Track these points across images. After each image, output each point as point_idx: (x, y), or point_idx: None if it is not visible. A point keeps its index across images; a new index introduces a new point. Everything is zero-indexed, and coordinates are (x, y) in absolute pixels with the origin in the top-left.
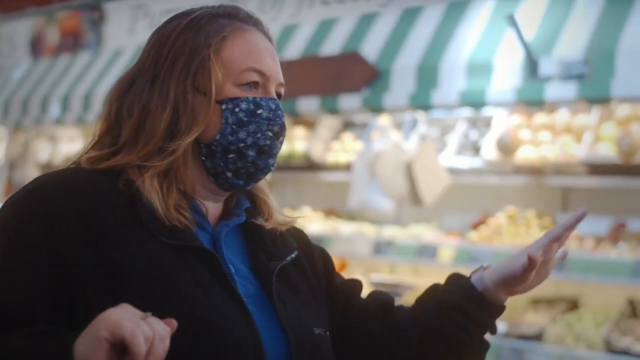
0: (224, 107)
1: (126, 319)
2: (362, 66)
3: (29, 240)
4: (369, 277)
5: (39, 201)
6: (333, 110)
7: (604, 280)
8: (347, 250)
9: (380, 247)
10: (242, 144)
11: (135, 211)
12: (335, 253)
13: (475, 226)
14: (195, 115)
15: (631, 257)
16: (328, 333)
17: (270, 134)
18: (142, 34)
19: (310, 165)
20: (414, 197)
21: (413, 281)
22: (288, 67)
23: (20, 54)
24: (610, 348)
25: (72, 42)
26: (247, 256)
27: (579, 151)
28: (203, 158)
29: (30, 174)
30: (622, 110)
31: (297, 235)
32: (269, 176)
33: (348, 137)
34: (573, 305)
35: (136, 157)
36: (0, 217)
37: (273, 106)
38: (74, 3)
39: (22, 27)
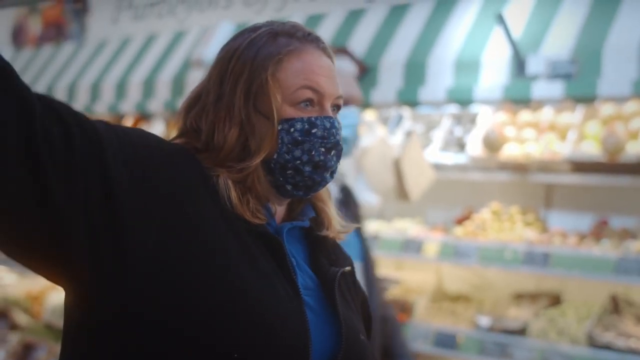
0: (280, 127)
1: None
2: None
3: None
4: None
5: (175, 148)
6: None
7: (586, 276)
8: None
9: None
10: (298, 162)
11: (217, 195)
12: None
13: (460, 221)
14: (262, 137)
15: (614, 254)
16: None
17: (323, 149)
18: (126, 25)
19: None
20: (401, 192)
21: (397, 275)
22: None
23: (1, 44)
24: (592, 343)
25: (55, 33)
26: (308, 258)
27: (563, 149)
28: (265, 172)
29: None
30: (607, 109)
31: (349, 255)
32: (328, 187)
33: None
34: (556, 300)
35: (216, 163)
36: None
37: (328, 125)
38: None
39: (2, 18)
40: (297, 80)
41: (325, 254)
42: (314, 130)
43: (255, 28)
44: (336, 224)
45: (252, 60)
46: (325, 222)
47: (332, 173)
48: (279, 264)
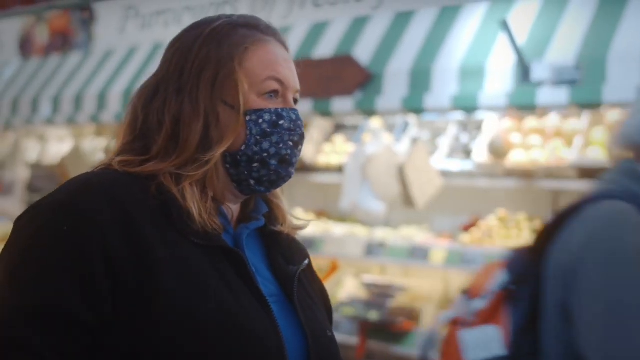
0: (248, 118)
1: None
2: (355, 69)
3: (83, 246)
4: (361, 278)
5: (86, 203)
6: (325, 113)
7: None
8: (339, 252)
9: (372, 249)
10: (265, 154)
11: (168, 214)
12: (326, 254)
13: (467, 229)
14: (225, 128)
15: None
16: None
17: (290, 143)
18: (133, 35)
19: (301, 167)
20: (406, 199)
21: (404, 282)
22: None
23: (9, 53)
24: None
25: (61, 42)
26: (266, 259)
27: (569, 155)
28: (227, 166)
29: (19, 173)
30: (612, 115)
31: (304, 247)
32: None
33: (339, 139)
34: None
35: (170, 166)
36: (46, 221)
37: (294, 117)
38: (62, 3)
39: (10, 27)
40: (265, 70)
41: (281, 252)
42: (281, 122)
43: (212, 20)
44: (290, 219)
45: (216, 49)
46: (280, 217)
47: (294, 169)
48: (243, 278)
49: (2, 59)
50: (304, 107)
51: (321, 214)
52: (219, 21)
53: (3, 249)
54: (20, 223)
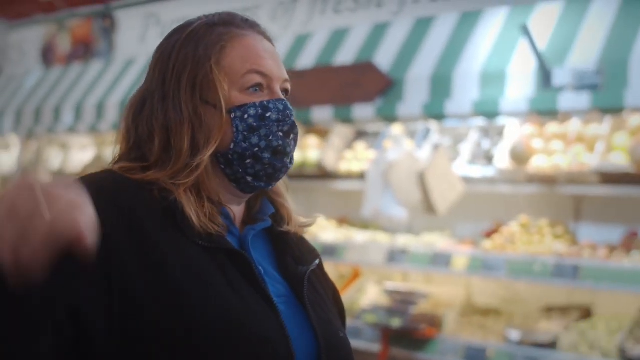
0: (233, 115)
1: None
2: (376, 76)
3: None
4: (383, 285)
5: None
6: (346, 120)
7: (617, 288)
8: (361, 259)
9: (394, 256)
10: (256, 149)
11: (172, 217)
12: (348, 261)
13: (489, 235)
14: (210, 129)
15: None
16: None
17: (280, 134)
18: (154, 43)
19: (323, 174)
20: (427, 206)
21: (426, 289)
22: (301, 76)
23: (31, 62)
24: (624, 356)
25: (83, 51)
26: (274, 260)
27: (591, 160)
28: (222, 166)
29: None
30: (635, 119)
31: (313, 247)
32: (286, 178)
33: (361, 146)
34: (586, 313)
35: (166, 175)
36: None
37: (281, 107)
38: (83, 11)
39: (32, 36)
40: (244, 65)
41: (290, 253)
42: (268, 114)
43: (189, 23)
44: (297, 217)
45: (193, 52)
46: (286, 217)
47: (291, 159)
48: (249, 279)
49: (25, 68)
50: (325, 114)
51: (343, 221)
52: (196, 23)
53: None
54: None
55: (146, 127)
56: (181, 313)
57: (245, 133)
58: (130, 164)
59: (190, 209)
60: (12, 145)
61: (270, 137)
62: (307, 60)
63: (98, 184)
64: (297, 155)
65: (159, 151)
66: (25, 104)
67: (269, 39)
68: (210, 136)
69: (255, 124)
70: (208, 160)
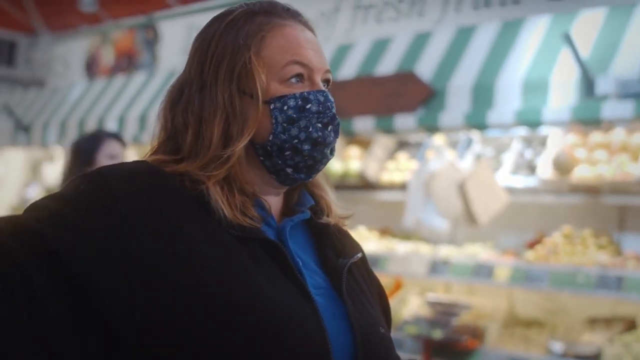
0: (272, 106)
1: None
2: (418, 86)
3: (96, 203)
4: (425, 297)
5: (109, 177)
6: (388, 130)
7: None
8: (403, 270)
9: (436, 267)
10: (295, 141)
11: (204, 207)
12: (390, 272)
13: (531, 245)
14: (245, 119)
15: None
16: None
17: (319, 125)
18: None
19: (365, 185)
20: (468, 216)
21: (469, 300)
22: (343, 87)
23: (75, 74)
24: None
25: (126, 63)
26: (314, 252)
27: (636, 170)
28: (261, 158)
29: None
30: None
31: (357, 242)
32: (326, 170)
33: (402, 157)
34: (631, 325)
35: (197, 167)
36: (69, 186)
37: (322, 98)
38: (127, 22)
39: (76, 48)
40: (284, 55)
41: (331, 245)
42: (308, 106)
43: (230, 11)
44: (337, 209)
45: (232, 41)
46: (325, 208)
47: (332, 150)
48: (284, 269)
49: (69, 81)
50: (367, 124)
51: (385, 231)
52: (237, 11)
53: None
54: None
55: (181, 117)
56: (210, 302)
57: (285, 124)
58: (164, 156)
59: (221, 201)
60: (56, 157)
61: (310, 129)
62: (349, 70)
63: (129, 173)
64: (339, 166)
65: (192, 142)
66: (70, 115)
67: (311, 29)
68: (244, 127)
69: (294, 115)
70: (243, 151)
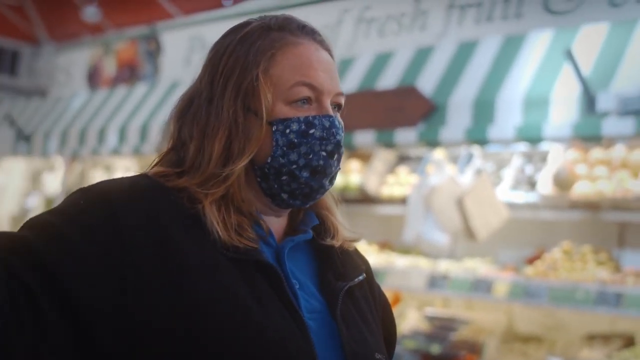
0: (274, 128)
1: None
2: (419, 100)
3: (94, 219)
4: (423, 311)
5: (109, 192)
6: (389, 144)
7: None
8: (402, 284)
9: (435, 281)
10: (294, 166)
11: (199, 226)
12: (389, 286)
13: (531, 261)
14: (247, 138)
15: None
16: None
17: (324, 153)
18: (198, 66)
19: (365, 198)
20: (467, 231)
21: (467, 315)
22: (345, 100)
23: (77, 85)
24: None
25: (128, 74)
26: (315, 274)
27: (636, 186)
28: (259, 179)
29: None
30: None
31: (363, 261)
32: (335, 193)
33: (403, 171)
34: (629, 341)
35: (196, 183)
36: (68, 200)
37: (327, 124)
38: (130, 33)
39: (78, 59)
40: (293, 76)
41: (332, 267)
42: (311, 131)
43: (247, 23)
44: (343, 231)
45: (244, 57)
46: (332, 230)
47: (332, 179)
48: (278, 292)
49: (71, 91)
50: (367, 138)
51: (384, 245)
52: (253, 24)
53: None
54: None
55: (187, 129)
56: (197, 322)
57: (285, 148)
58: (166, 169)
59: (217, 222)
60: (57, 167)
61: (311, 156)
62: (350, 84)
63: (129, 188)
64: (339, 179)
65: (194, 156)
66: (71, 126)
67: (327, 49)
68: (245, 146)
69: (296, 140)
70: (242, 171)
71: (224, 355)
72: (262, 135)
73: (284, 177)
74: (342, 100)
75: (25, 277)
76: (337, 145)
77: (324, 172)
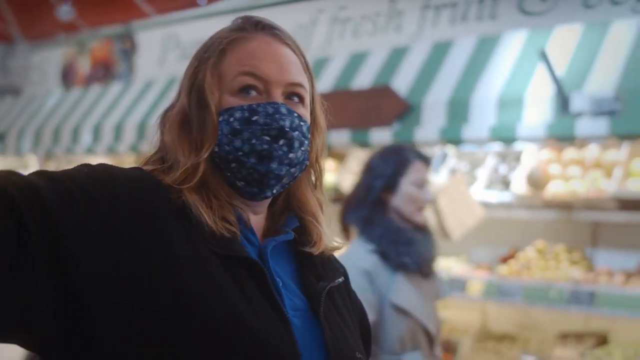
0: (220, 118)
1: None
2: (393, 100)
3: (98, 188)
4: None
5: (111, 169)
6: (364, 144)
7: (634, 315)
8: None
9: None
10: (239, 153)
11: (187, 219)
12: None
13: (505, 260)
14: (204, 131)
15: None
16: None
17: (267, 138)
18: (173, 65)
19: (340, 198)
20: (441, 231)
21: (442, 314)
22: (321, 99)
23: (52, 83)
24: None
25: (103, 72)
26: (296, 275)
27: (609, 186)
28: (217, 171)
29: None
30: None
31: (341, 266)
32: (325, 199)
33: None
34: (602, 340)
35: (175, 178)
36: (72, 168)
37: (271, 110)
38: (105, 32)
39: (53, 57)
40: (236, 67)
41: (313, 268)
42: (254, 118)
43: (219, 30)
44: (327, 240)
45: (200, 56)
46: (314, 237)
47: (287, 165)
48: (262, 289)
49: (45, 89)
50: (342, 138)
51: None
52: (220, 30)
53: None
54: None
55: (166, 126)
56: (185, 315)
57: (229, 136)
58: (152, 166)
59: (200, 206)
60: (30, 166)
61: (254, 141)
62: (325, 84)
63: (130, 173)
64: None
65: (171, 154)
66: (45, 124)
67: (286, 42)
68: (204, 138)
69: (238, 127)
70: (209, 164)
71: (211, 351)
72: (214, 126)
73: (233, 165)
74: (301, 91)
75: (27, 217)
76: (282, 130)
77: (270, 156)
